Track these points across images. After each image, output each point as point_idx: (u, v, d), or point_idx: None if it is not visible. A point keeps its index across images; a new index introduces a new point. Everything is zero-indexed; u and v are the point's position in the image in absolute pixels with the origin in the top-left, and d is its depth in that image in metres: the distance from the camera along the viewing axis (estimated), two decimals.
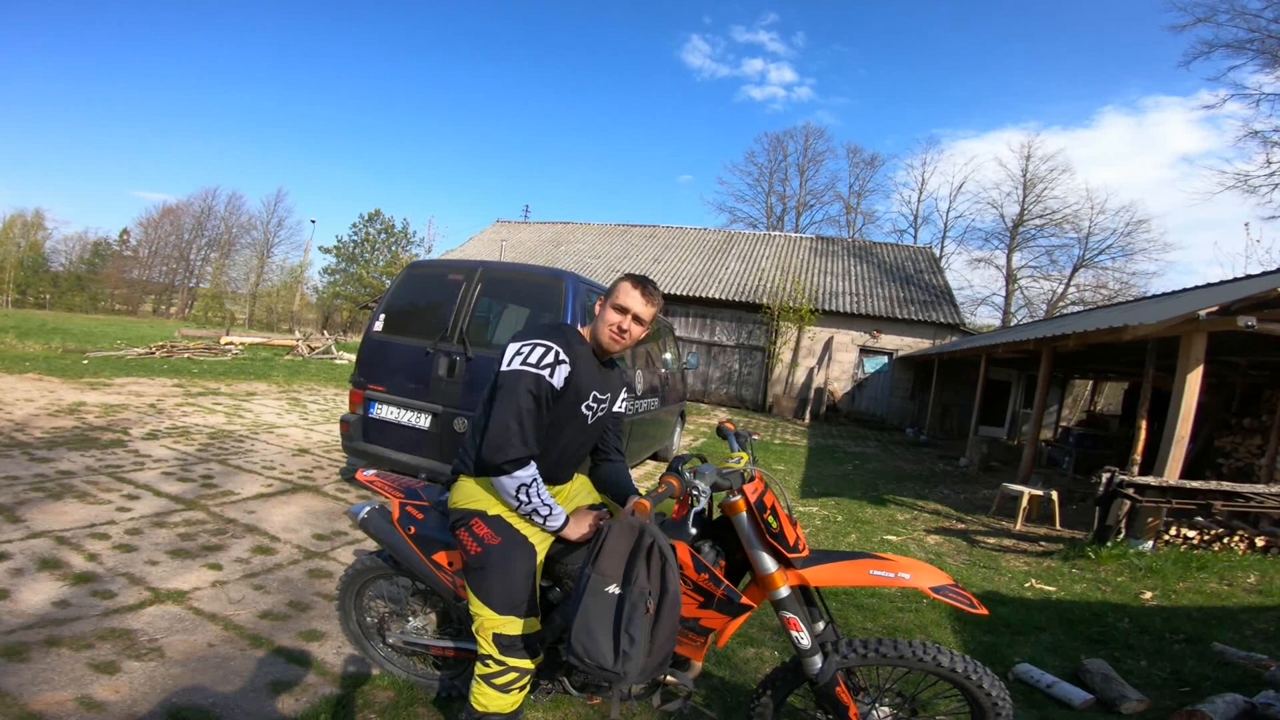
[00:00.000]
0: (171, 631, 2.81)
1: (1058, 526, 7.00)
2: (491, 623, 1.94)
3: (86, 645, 2.61)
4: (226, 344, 18.03)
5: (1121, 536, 5.76)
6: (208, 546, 3.82)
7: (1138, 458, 6.84)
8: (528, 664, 1.97)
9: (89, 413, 7.18)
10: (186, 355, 15.13)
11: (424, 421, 4.79)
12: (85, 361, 11.87)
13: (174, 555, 3.62)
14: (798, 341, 19.45)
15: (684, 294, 20.17)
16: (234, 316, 48.72)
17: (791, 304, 19.23)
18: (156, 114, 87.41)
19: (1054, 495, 7.13)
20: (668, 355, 7.87)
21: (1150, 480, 5.66)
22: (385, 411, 4.95)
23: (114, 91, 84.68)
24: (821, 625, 2.05)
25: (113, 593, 3.08)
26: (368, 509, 2.44)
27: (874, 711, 2.10)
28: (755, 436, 2.48)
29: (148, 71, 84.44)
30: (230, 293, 54.83)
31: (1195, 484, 5.69)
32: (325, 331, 33.54)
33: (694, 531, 1.99)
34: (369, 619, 2.63)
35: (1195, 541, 5.78)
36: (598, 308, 2.14)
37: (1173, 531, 5.82)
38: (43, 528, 3.74)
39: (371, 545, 3.93)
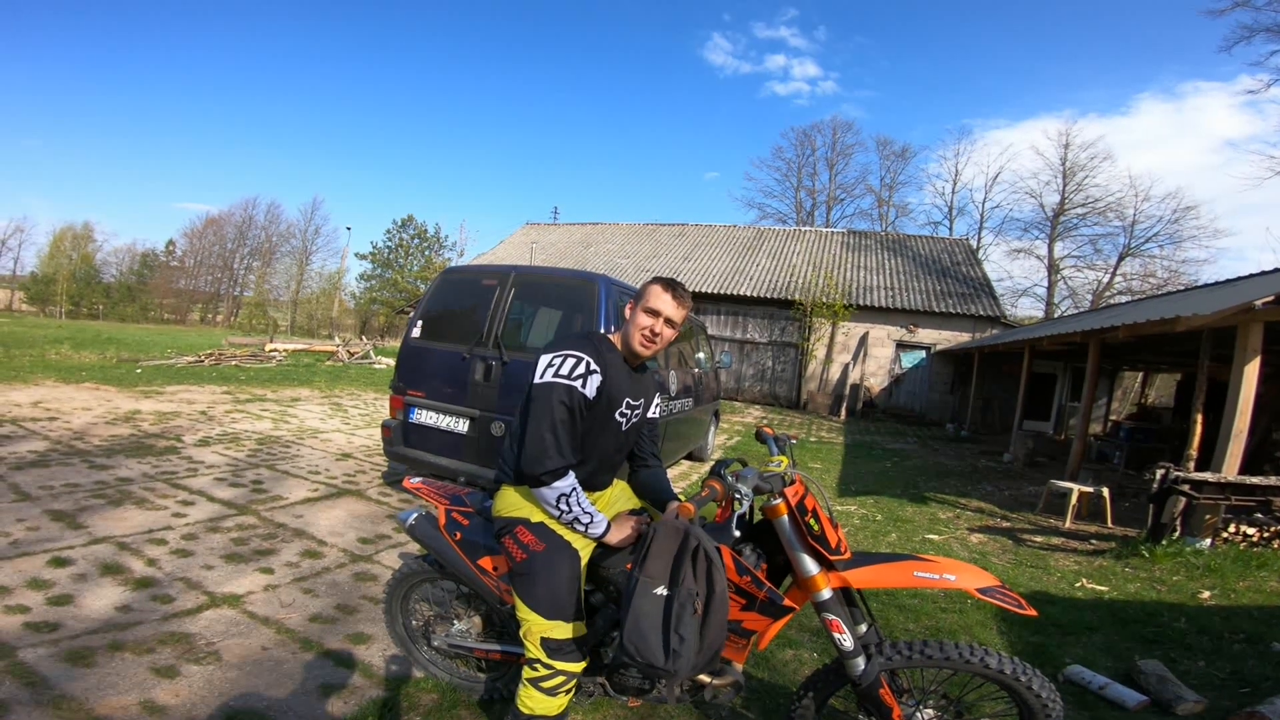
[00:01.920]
0: (227, 635, 2.91)
1: (1109, 524, 6.79)
2: (539, 627, 1.97)
3: (148, 650, 2.71)
4: (271, 351, 18.53)
5: (1177, 534, 5.56)
6: (259, 551, 3.95)
7: (1193, 453, 6.60)
8: (575, 667, 2.00)
9: (144, 420, 7.45)
10: (234, 363, 15.60)
11: (462, 426, 4.86)
12: (138, 370, 12.32)
13: (228, 560, 3.75)
14: (832, 337, 19.22)
15: (715, 292, 20.09)
16: (277, 324, 50.04)
17: (824, 299, 19.02)
18: (195, 126, 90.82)
19: (1105, 492, 6.92)
20: (701, 354, 7.85)
21: (1208, 476, 5.46)
22: (424, 416, 5.04)
23: (153, 105, 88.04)
24: (864, 627, 2.04)
25: (171, 597, 3.20)
26: (415, 515, 2.49)
27: (918, 714, 2.07)
28: (794, 440, 2.48)
29: (184, 84, 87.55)
30: (273, 300, 56.45)
31: (1255, 480, 5.47)
32: (363, 337, 34.23)
33: (737, 534, 2.00)
34: (414, 622, 2.69)
35: (1255, 539, 5.55)
36: (627, 311, 2.15)
37: (1231, 529, 5.60)
38: (104, 533, 3.90)
39: (415, 549, 4.01)
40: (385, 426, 5.21)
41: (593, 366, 1.98)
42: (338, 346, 21.71)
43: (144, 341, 21.73)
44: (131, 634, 2.81)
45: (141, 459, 5.72)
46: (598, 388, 2.00)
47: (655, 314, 2.07)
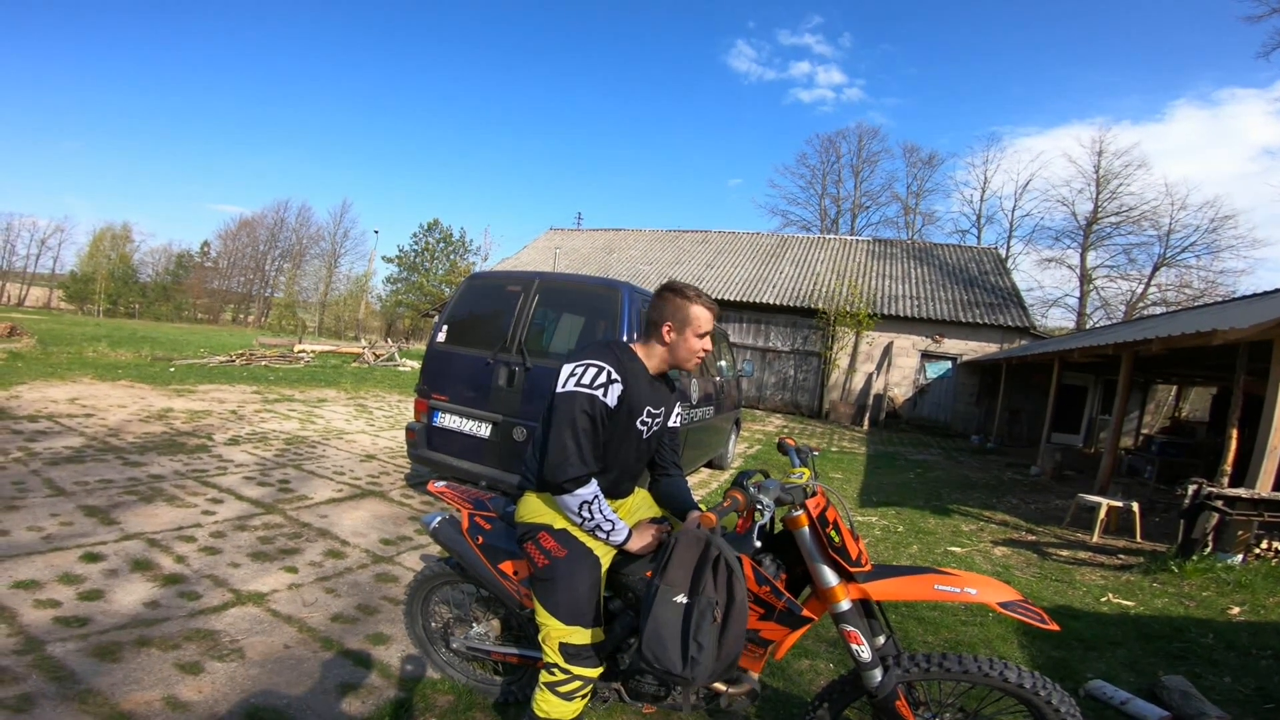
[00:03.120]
0: (251, 633, 2.97)
1: (1138, 539, 6.64)
2: (558, 632, 2.00)
3: (174, 646, 2.77)
4: (299, 352, 18.86)
5: (1208, 550, 5.43)
6: (284, 550, 4.02)
7: (1228, 468, 6.43)
8: (592, 672, 2.02)
9: (176, 418, 7.63)
10: (264, 363, 15.89)
11: (484, 430, 4.91)
12: (172, 369, 12.60)
13: (254, 558, 3.82)
14: (855, 346, 19.05)
15: (737, 299, 20.02)
16: (305, 325, 50.91)
17: (848, 308, 18.86)
18: (231, 129, 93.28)
19: (1135, 506, 6.78)
20: (722, 363, 7.84)
21: (1241, 492, 5.33)
22: (448, 420, 5.10)
23: (191, 108, 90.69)
24: (882, 639, 2.02)
25: (198, 594, 3.27)
26: (438, 519, 2.53)
27: None
28: (815, 452, 2.47)
29: (221, 88, 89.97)
30: (302, 302, 57.47)
31: None
32: (389, 339, 34.67)
33: (757, 545, 2.00)
34: (434, 624, 2.72)
35: None
36: (666, 333, 2.12)
37: (1264, 545, 5.46)
38: (135, 530, 4.00)
39: (436, 551, 4.06)
40: (409, 429, 5.28)
41: (614, 376, 2.01)
42: (364, 348, 22.02)
43: (178, 340, 22.24)
44: (159, 630, 2.88)
45: (173, 456, 5.85)
46: (619, 396, 2.02)
47: (704, 335, 2.15)
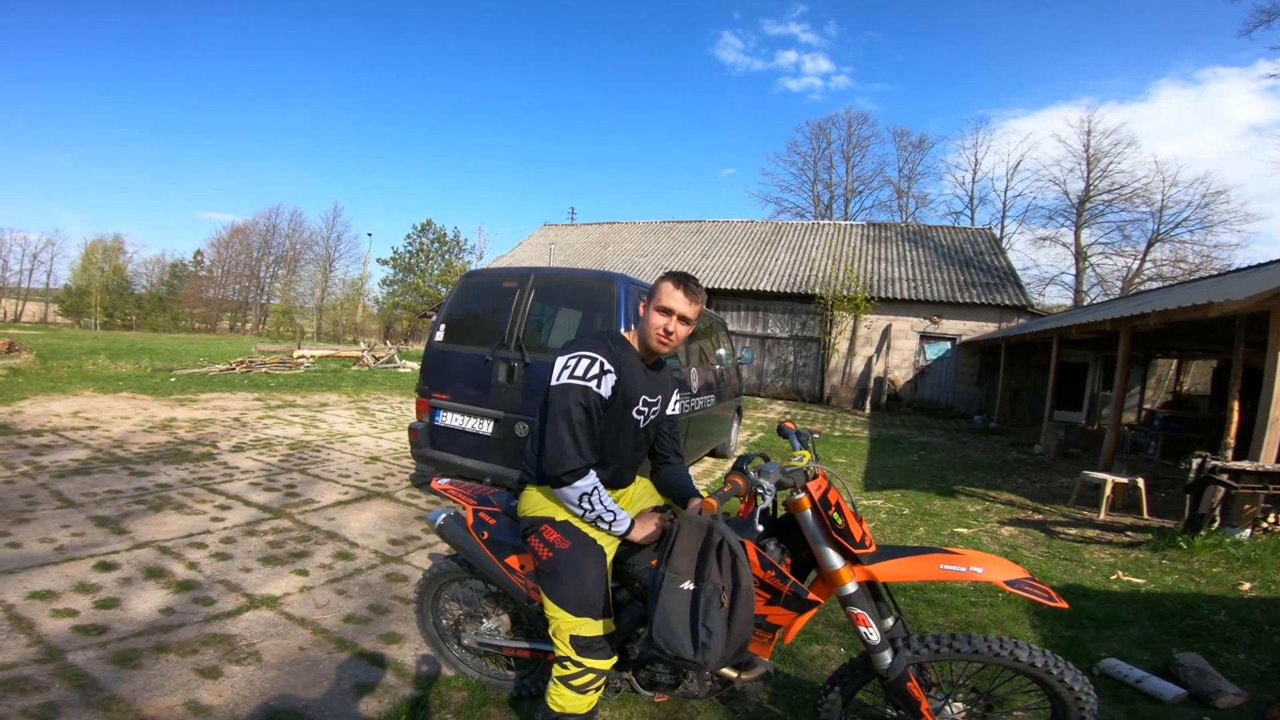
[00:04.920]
0: (267, 636, 2.99)
1: (1145, 515, 6.65)
2: (568, 625, 2.00)
3: (191, 651, 2.79)
4: (299, 357, 18.86)
5: (1216, 525, 5.44)
6: (295, 553, 4.04)
7: (1231, 441, 6.45)
8: (604, 664, 2.02)
9: (180, 428, 7.64)
10: (264, 370, 15.90)
11: (486, 427, 4.92)
12: (173, 379, 12.61)
13: (265, 562, 3.84)
14: (854, 330, 19.06)
15: (734, 288, 20.01)
16: (303, 330, 50.82)
17: (845, 293, 18.85)
18: (217, 137, 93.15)
19: (1140, 482, 6.80)
20: (722, 351, 7.85)
21: (1245, 465, 5.34)
22: (450, 419, 5.11)
23: (176, 117, 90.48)
24: (891, 621, 2.03)
25: (212, 599, 3.29)
26: (444, 516, 2.54)
27: (947, 707, 2.06)
28: (816, 434, 2.48)
29: (204, 95, 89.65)
30: (299, 307, 57.35)
31: None
32: (387, 341, 34.63)
33: (760, 529, 2.01)
34: (445, 621, 2.74)
35: None
36: (641, 309, 2.17)
37: (1271, 518, 5.47)
38: (146, 538, 4.02)
39: (444, 549, 4.07)
40: (412, 429, 5.30)
41: (606, 366, 2.01)
42: (363, 351, 22.02)
43: (177, 351, 22.23)
44: (175, 636, 2.90)
45: (179, 465, 5.87)
46: (613, 387, 2.02)
47: (668, 312, 2.07)
